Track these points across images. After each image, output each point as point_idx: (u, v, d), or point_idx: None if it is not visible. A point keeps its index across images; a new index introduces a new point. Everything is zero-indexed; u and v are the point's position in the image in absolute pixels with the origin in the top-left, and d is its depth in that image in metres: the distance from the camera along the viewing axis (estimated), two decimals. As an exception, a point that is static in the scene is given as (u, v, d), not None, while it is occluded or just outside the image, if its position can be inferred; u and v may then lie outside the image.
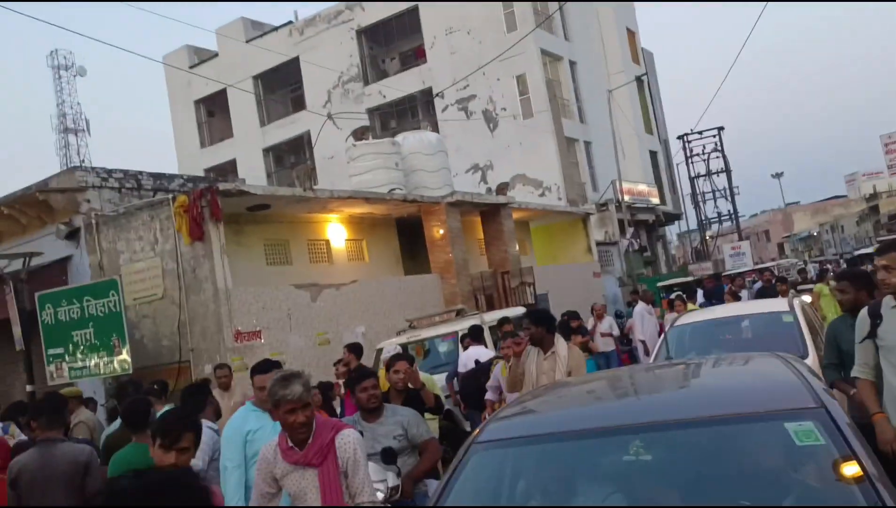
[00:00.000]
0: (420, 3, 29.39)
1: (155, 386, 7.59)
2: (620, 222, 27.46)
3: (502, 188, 19.36)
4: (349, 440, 3.54)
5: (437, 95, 28.41)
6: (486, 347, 9.39)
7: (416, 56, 30.98)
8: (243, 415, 4.65)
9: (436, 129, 27.57)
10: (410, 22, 30.02)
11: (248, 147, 34.00)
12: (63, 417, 5.30)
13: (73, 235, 12.99)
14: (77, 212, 12.97)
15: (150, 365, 11.89)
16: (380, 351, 10.41)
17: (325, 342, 13.16)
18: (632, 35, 34.85)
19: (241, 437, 4.50)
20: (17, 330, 11.72)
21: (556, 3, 28.16)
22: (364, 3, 30.73)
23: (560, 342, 5.65)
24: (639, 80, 33.21)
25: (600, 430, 2.73)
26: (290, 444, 3.52)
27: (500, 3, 27.56)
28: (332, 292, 13.67)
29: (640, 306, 13.34)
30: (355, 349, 9.05)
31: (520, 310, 11.83)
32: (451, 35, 28.89)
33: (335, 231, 15.53)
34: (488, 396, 7.10)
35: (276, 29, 33.71)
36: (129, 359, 10.94)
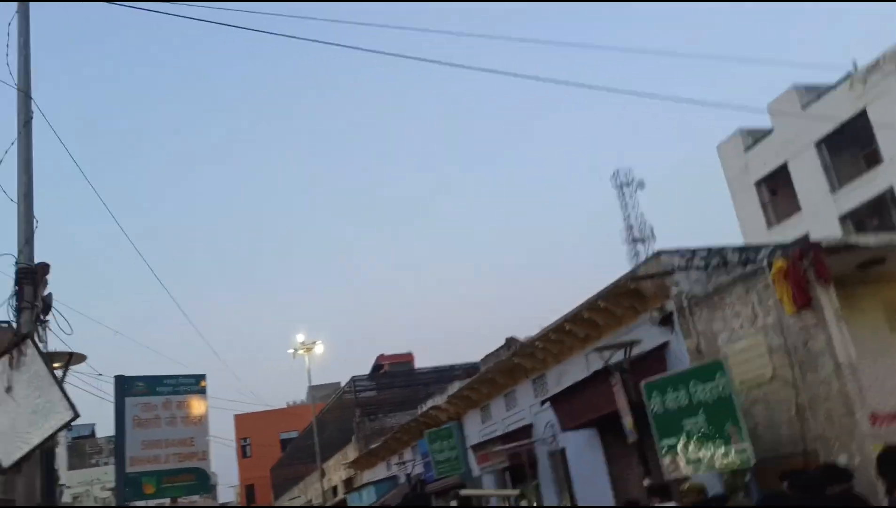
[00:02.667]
0: None
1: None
2: None
3: None
4: None
5: None
6: None
7: None
8: None
9: None
10: None
11: (820, 218, 31.00)
12: None
13: (666, 320, 12.64)
14: (667, 297, 12.63)
15: (768, 456, 10.47)
16: None
17: None
18: None
19: None
20: (627, 421, 11.59)
21: None
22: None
23: None
24: None
25: None
26: None
27: None
28: None
29: None
30: None
31: None
32: None
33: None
34: None
35: (833, 87, 30.80)
36: (749, 450, 9.72)
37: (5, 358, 6.20)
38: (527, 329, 20.19)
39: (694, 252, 12.87)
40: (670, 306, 12.60)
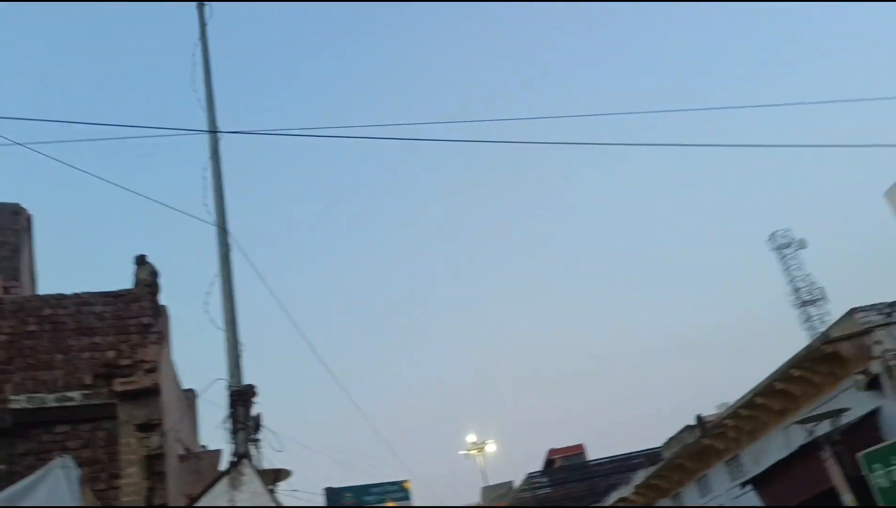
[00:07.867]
0: None
1: None
2: None
3: None
4: None
5: None
6: None
7: None
8: None
9: None
10: None
11: None
12: None
13: (874, 383, 11.57)
14: (870, 357, 11.61)
15: None
16: None
17: None
18: None
19: None
20: (848, 498, 10.56)
21: None
22: None
23: None
24: None
25: None
26: None
27: None
28: None
29: None
30: None
31: None
32: None
33: None
34: None
35: None
36: None
37: (226, 479, 6.53)
38: (704, 409, 19.07)
39: (893, 305, 11.86)
40: (875, 367, 11.55)
